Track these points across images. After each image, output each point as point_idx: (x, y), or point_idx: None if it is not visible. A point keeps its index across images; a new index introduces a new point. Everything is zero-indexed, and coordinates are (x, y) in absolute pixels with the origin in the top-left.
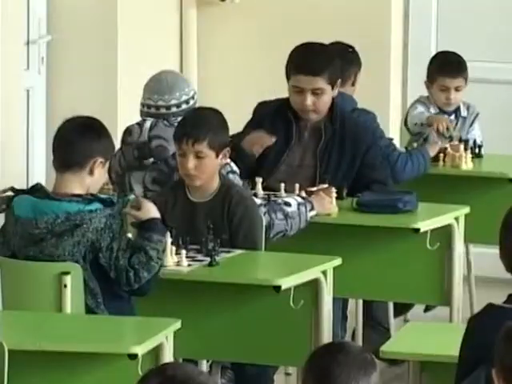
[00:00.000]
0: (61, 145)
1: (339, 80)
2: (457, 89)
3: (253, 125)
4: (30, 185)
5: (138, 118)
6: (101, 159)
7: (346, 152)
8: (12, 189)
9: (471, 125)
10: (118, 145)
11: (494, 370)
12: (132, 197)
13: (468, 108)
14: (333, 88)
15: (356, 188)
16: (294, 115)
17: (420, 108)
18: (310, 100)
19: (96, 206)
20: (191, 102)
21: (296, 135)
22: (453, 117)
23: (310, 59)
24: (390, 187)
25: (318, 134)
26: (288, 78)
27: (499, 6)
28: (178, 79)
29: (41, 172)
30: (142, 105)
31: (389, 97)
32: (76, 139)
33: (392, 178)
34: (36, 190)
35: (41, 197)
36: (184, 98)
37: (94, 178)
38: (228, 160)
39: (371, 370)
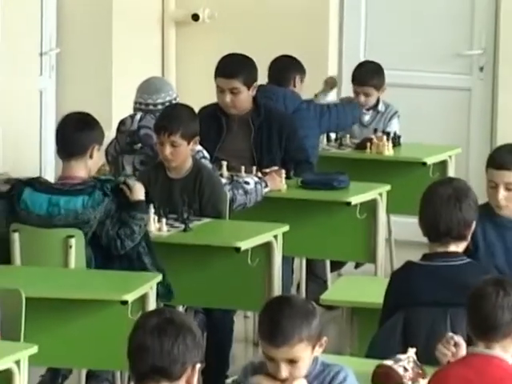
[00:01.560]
0: (64, 138)
1: (255, 82)
2: (366, 94)
3: None
4: (41, 173)
5: (128, 113)
6: (97, 145)
7: (274, 138)
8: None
9: (390, 120)
10: (113, 133)
11: None
12: (122, 179)
13: (387, 107)
14: (249, 89)
15: (286, 167)
16: (222, 112)
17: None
18: (228, 98)
19: (97, 196)
20: (173, 102)
21: (226, 127)
22: (370, 111)
23: (227, 65)
24: (314, 164)
25: (247, 126)
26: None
27: (413, 23)
28: (163, 83)
29: (51, 159)
30: (135, 102)
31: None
32: (76, 133)
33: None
34: (39, 183)
35: (52, 192)
36: (168, 98)
37: (94, 160)
38: (200, 147)
39: (312, 318)
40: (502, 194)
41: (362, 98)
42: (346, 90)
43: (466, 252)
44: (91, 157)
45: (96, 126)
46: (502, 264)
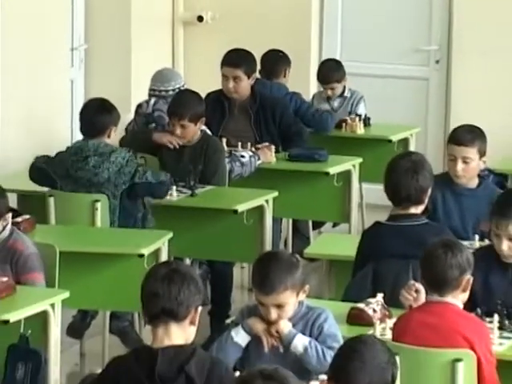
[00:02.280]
0: (86, 120)
1: (254, 73)
2: (331, 89)
3: None
4: None
5: (144, 98)
6: (114, 127)
7: (270, 120)
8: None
9: (357, 104)
10: (131, 115)
11: None
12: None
13: (353, 93)
14: (249, 78)
15: (282, 140)
16: (225, 97)
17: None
18: (231, 84)
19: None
20: (181, 88)
21: (228, 111)
22: (338, 99)
23: (231, 56)
24: (305, 134)
25: (246, 110)
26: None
27: (381, 23)
28: (173, 73)
29: (80, 137)
30: (150, 89)
31: (309, 87)
32: (96, 116)
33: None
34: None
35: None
36: (177, 85)
37: (111, 139)
38: (204, 127)
39: (295, 270)
40: (460, 166)
41: (329, 92)
42: None
43: (425, 213)
44: (109, 136)
45: (113, 111)
46: (457, 225)
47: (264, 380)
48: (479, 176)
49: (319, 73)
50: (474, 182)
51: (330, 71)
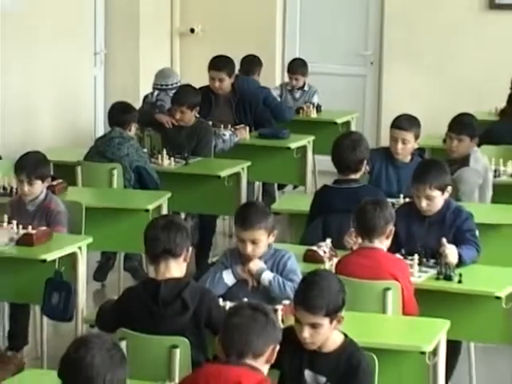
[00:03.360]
0: (113, 118)
1: (234, 73)
2: (296, 79)
3: None
4: (95, 134)
5: (149, 91)
6: (134, 123)
7: (247, 109)
8: None
9: (313, 95)
10: (139, 104)
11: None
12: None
13: (310, 87)
14: (230, 77)
15: (256, 125)
16: (212, 92)
17: (275, 91)
18: (217, 83)
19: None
20: (178, 84)
21: (214, 103)
22: (300, 91)
23: (216, 62)
24: (272, 120)
25: (228, 102)
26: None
27: (331, 31)
28: (172, 72)
29: (101, 127)
30: (154, 84)
31: (274, 81)
32: (120, 115)
33: (279, 115)
34: None
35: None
36: (175, 81)
37: (132, 131)
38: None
39: (268, 216)
40: (400, 145)
41: (294, 82)
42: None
43: (363, 175)
44: (130, 130)
45: (133, 111)
46: (395, 190)
47: (251, 310)
48: (412, 153)
49: (290, 66)
50: (408, 158)
51: (298, 66)
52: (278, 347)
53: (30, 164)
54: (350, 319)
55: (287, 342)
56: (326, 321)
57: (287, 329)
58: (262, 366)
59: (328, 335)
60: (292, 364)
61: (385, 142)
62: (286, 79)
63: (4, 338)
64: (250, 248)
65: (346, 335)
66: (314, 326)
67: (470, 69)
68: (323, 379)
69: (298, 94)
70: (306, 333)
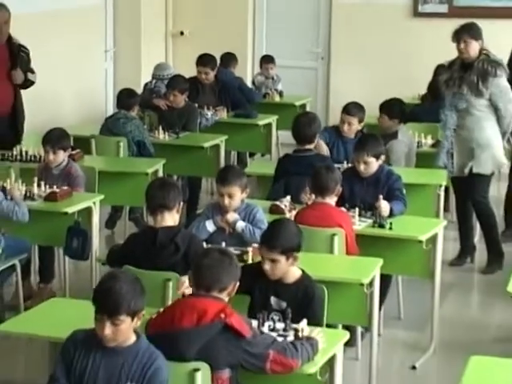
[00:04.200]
0: (121, 102)
1: (216, 67)
2: (265, 69)
3: None
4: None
5: (148, 80)
6: (136, 106)
7: (226, 96)
8: None
9: (277, 84)
10: (140, 90)
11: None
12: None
13: (277, 76)
14: (213, 70)
15: (233, 107)
16: (199, 82)
17: (259, 77)
18: (203, 76)
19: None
20: (172, 75)
21: (201, 91)
22: (270, 79)
23: (202, 59)
24: (246, 104)
25: (213, 90)
26: None
27: (291, 30)
28: (167, 65)
29: (111, 108)
30: (152, 75)
31: (246, 72)
32: (126, 99)
33: (251, 98)
34: None
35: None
36: (170, 73)
37: (134, 113)
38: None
39: (243, 176)
40: (346, 126)
41: (269, 70)
42: (257, 68)
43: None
44: (133, 111)
45: (136, 96)
46: (342, 158)
47: (220, 253)
48: (357, 131)
49: (264, 57)
50: (353, 135)
51: (271, 58)
52: (238, 284)
53: (54, 137)
54: (305, 258)
55: (258, 274)
56: (282, 257)
57: (258, 264)
58: (225, 298)
59: (285, 269)
60: (261, 291)
61: (332, 120)
62: (256, 71)
63: (36, 274)
64: (227, 201)
65: (303, 271)
66: (273, 260)
67: (400, 63)
68: (284, 304)
69: (270, 82)
70: (267, 266)
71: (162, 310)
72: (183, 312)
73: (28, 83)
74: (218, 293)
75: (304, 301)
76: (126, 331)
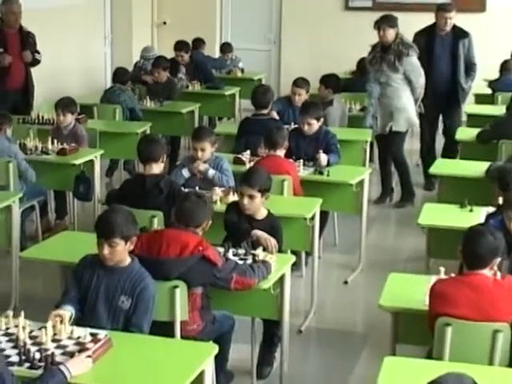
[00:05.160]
0: (116, 76)
1: (190, 50)
2: (229, 51)
3: None
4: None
5: (137, 60)
6: (129, 81)
7: (200, 72)
8: None
9: (238, 62)
10: (131, 68)
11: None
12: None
13: (236, 57)
14: (187, 53)
15: (205, 80)
16: (177, 63)
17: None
18: (180, 58)
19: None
20: (156, 56)
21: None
22: (229, 60)
23: (178, 44)
24: (215, 79)
25: (189, 68)
26: None
27: (252, 17)
28: (152, 48)
29: (109, 83)
30: (140, 56)
31: (215, 52)
32: (121, 75)
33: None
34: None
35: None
36: (154, 54)
37: (127, 86)
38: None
39: (212, 134)
40: (296, 97)
41: (229, 54)
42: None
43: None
44: (126, 84)
45: (128, 73)
46: (291, 121)
47: (196, 197)
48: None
49: (221, 46)
50: (300, 103)
51: (229, 45)
52: (210, 222)
53: (64, 103)
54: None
55: (236, 211)
56: (258, 194)
57: (236, 203)
58: (200, 232)
59: (259, 206)
60: (239, 225)
61: (283, 91)
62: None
63: (53, 213)
64: (200, 153)
65: (269, 210)
66: (250, 196)
67: (335, 46)
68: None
69: (229, 62)
70: (245, 201)
71: (150, 231)
72: (169, 243)
73: (35, 62)
74: (195, 228)
75: (271, 232)
76: (121, 253)
